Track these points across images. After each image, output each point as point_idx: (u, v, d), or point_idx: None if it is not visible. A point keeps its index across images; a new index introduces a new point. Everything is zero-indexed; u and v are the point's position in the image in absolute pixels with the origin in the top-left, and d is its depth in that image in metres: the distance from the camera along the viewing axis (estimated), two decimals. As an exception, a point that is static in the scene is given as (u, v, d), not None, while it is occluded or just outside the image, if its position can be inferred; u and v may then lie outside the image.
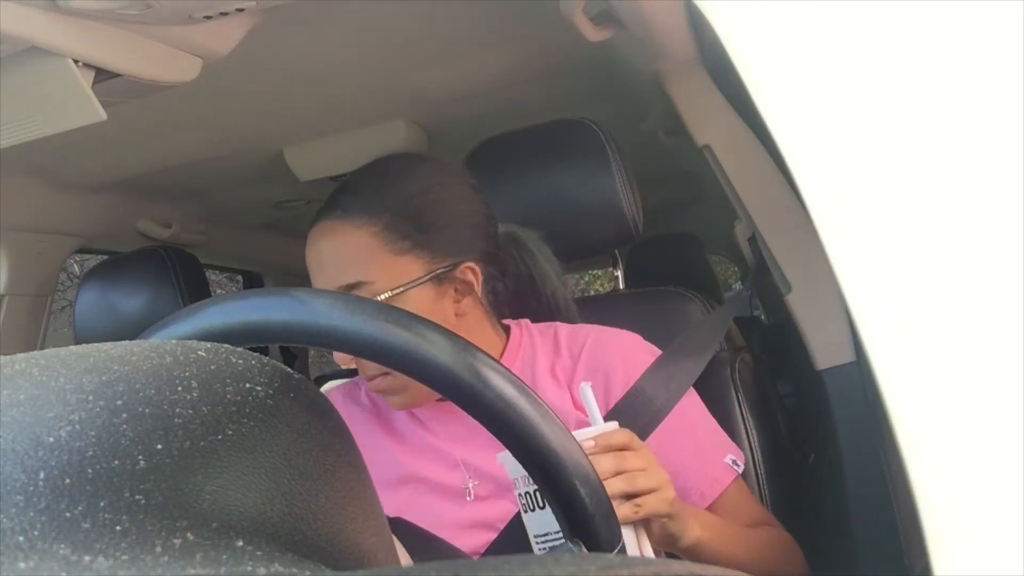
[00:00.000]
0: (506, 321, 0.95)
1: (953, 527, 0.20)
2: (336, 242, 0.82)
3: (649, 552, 0.69)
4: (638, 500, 0.67)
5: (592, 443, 0.68)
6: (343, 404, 0.95)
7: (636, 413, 0.84)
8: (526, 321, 0.95)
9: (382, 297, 0.79)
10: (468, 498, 0.85)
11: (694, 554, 0.75)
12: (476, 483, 0.85)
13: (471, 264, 0.85)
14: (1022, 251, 0.20)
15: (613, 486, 0.67)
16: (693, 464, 0.85)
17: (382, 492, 0.86)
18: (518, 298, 0.98)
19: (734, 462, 0.86)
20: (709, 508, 0.84)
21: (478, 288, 0.86)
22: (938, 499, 0.20)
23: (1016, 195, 0.20)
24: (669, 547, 0.75)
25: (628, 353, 0.89)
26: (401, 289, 0.80)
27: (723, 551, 0.77)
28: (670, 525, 0.71)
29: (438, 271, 0.83)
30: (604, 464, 0.67)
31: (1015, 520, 0.19)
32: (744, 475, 0.95)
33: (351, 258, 0.81)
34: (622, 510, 0.66)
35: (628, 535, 0.67)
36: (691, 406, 0.89)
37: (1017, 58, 0.21)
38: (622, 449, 0.69)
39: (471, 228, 0.87)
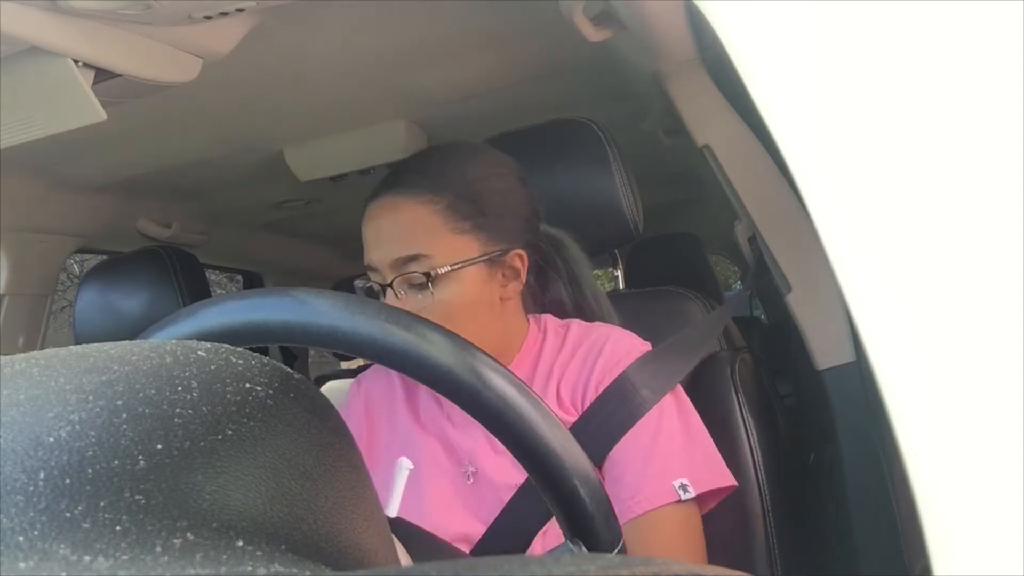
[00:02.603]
0: (529, 315, 0.96)
1: (953, 527, 0.20)
2: (399, 216, 0.85)
3: None
4: None
5: None
6: (380, 382, 0.97)
7: (618, 404, 0.83)
8: (547, 316, 0.96)
9: (441, 271, 0.83)
10: (468, 482, 0.86)
11: None
12: (473, 470, 0.86)
13: (520, 251, 0.89)
14: (1022, 251, 0.20)
15: None
16: (634, 470, 0.81)
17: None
18: (548, 294, 1.00)
19: (683, 487, 0.80)
20: (630, 524, 0.80)
21: (523, 275, 0.90)
22: (938, 499, 0.20)
23: (1016, 195, 0.20)
24: None
25: (615, 351, 0.88)
26: (459, 266, 0.84)
27: None
28: None
29: (492, 254, 0.87)
30: None
31: (1015, 520, 0.19)
32: (744, 475, 0.95)
33: (413, 232, 0.84)
34: None
35: None
36: (670, 412, 0.85)
37: (1017, 58, 0.21)
38: None
39: (522, 218, 0.90)
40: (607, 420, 0.83)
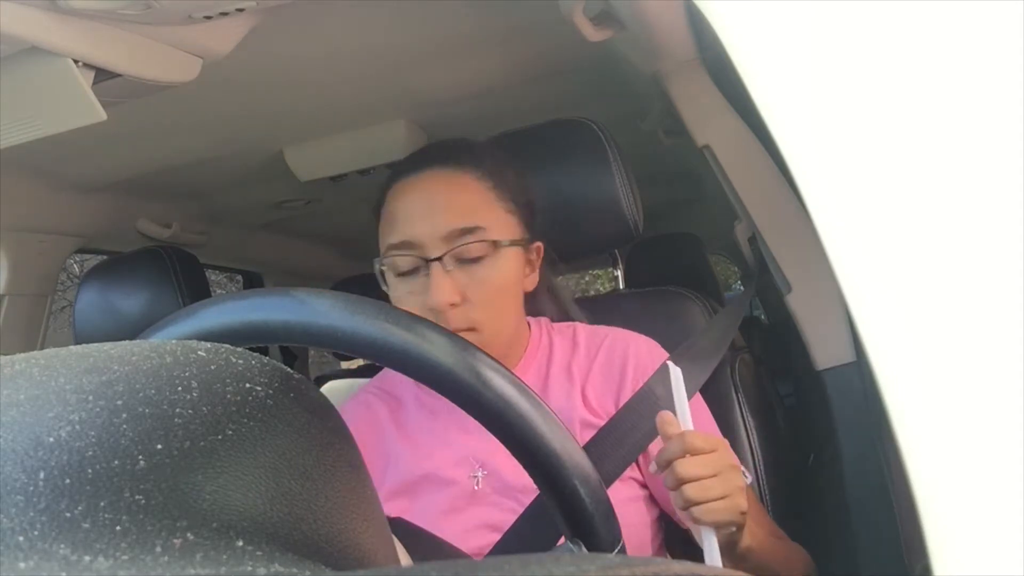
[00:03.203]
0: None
1: (953, 527, 0.20)
2: (455, 188, 0.83)
3: (718, 559, 0.68)
4: (707, 506, 0.67)
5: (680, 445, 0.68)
6: (364, 412, 0.93)
7: (643, 414, 0.83)
8: (546, 319, 0.96)
9: (501, 244, 0.83)
10: (476, 487, 0.83)
11: (741, 562, 0.74)
12: (484, 474, 0.84)
13: (540, 244, 0.90)
14: (1022, 251, 0.20)
15: (686, 492, 0.67)
16: None
17: (396, 497, 0.85)
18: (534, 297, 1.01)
19: (743, 472, 0.85)
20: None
21: (538, 269, 0.91)
22: (938, 499, 0.20)
23: (1016, 195, 0.20)
24: (725, 553, 0.74)
25: (641, 356, 0.89)
26: (509, 243, 0.84)
27: (766, 563, 0.77)
28: (735, 533, 0.71)
29: (526, 239, 0.88)
30: (689, 468, 0.67)
31: (1015, 520, 0.19)
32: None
33: (472, 205, 0.83)
34: (692, 513, 0.67)
35: (707, 539, 0.68)
36: (700, 412, 0.89)
37: (1017, 58, 0.21)
38: (698, 453, 0.68)
39: (532, 213, 0.91)
40: (635, 427, 0.83)
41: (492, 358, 0.43)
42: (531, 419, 0.43)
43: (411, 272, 0.83)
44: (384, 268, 0.85)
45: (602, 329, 0.93)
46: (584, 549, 0.45)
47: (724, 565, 0.73)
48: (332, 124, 1.40)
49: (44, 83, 0.79)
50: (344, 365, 2.67)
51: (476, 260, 0.81)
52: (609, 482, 0.81)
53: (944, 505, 0.20)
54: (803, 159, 0.23)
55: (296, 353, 2.42)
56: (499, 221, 0.83)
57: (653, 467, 0.70)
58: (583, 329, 0.93)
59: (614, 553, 0.45)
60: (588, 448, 0.80)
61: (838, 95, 0.23)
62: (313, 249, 2.44)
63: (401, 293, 0.83)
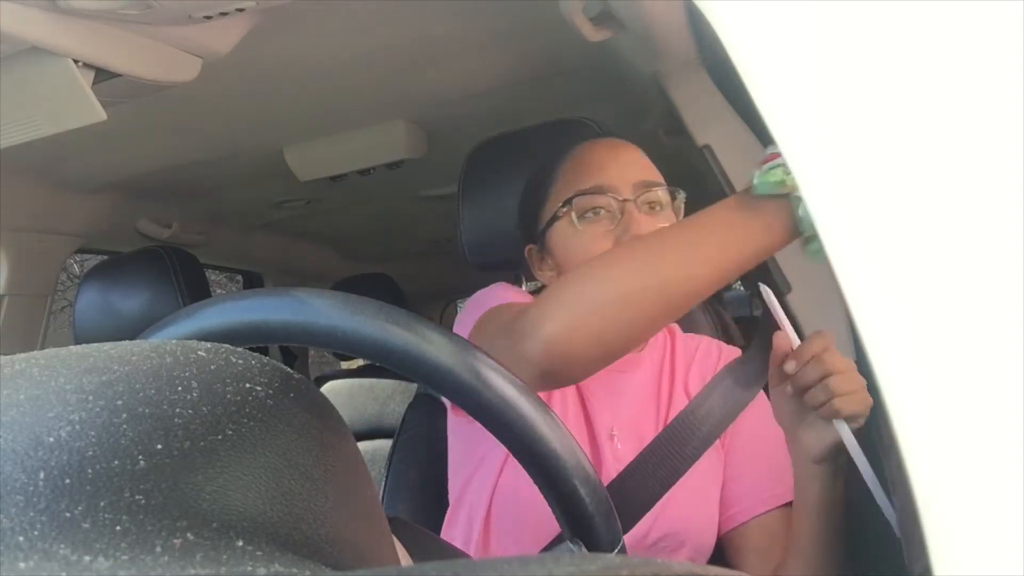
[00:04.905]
0: None
1: (953, 527, 0.20)
2: (639, 152, 0.93)
3: (856, 445, 0.74)
4: (835, 402, 0.72)
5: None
6: None
7: (718, 398, 0.90)
8: None
9: (681, 197, 0.93)
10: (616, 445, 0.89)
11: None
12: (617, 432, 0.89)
13: None
14: (1022, 251, 0.20)
15: (815, 396, 0.72)
16: (763, 465, 0.88)
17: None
18: None
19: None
20: (753, 520, 0.87)
21: None
22: (938, 499, 0.20)
23: (1016, 195, 0.20)
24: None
25: (730, 358, 0.96)
26: (683, 200, 0.95)
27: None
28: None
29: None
30: (810, 374, 0.72)
31: (1015, 520, 0.19)
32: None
33: (653, 166, 0.93)
34: (823, 411, 0.73)
35: (841, 429, 0.74)
36: (767, 417, 0.92)
37: (1017, 58, 0.21)
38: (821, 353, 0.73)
39: None
40: (721, 404, 0.90)
41: (492, 358, 0.43)
42: (531, 419, 0.43)
43: (598, 217, 0.88)
44: (567, 212, 0.89)
45: (695, 336, 1.01)
46: (584, 549, 0.45)
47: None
48: (332, 124, 1.40)
49: (44, 83, 0.79)
50: (344, 365, 2.66)
51: (659, 209, 0.90)
52: (700, 452, 0.87)
53: (944, 505, 0.20)
54: (803, 159, 0.23)
55: (296, 353, 2.42)
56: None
57: (790, 389, 0.74)
58: (678, 333, 1.01)
59: (614, 553, 0.45)
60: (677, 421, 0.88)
61: (838, 95, 0.23)
62: (313, 249, 2.44)
63: (592, 235, 0.88)
